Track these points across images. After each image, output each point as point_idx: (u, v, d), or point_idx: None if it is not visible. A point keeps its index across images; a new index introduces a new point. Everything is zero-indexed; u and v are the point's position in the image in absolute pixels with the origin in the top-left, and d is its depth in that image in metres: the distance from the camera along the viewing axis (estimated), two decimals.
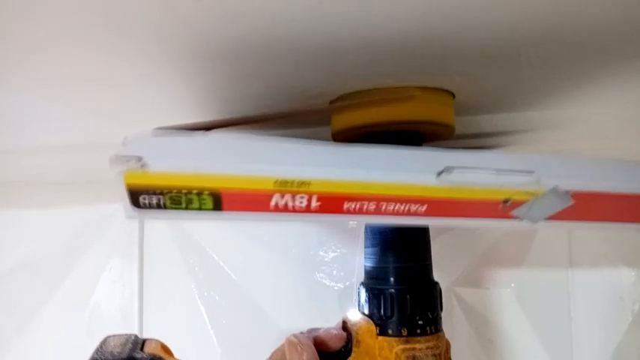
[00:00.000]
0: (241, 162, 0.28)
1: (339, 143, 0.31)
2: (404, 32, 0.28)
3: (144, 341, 0.36)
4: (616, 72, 0.36)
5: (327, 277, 0.64)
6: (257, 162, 0.29)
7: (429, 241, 0.41)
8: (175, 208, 0.28)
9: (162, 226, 0.67)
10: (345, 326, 0.40)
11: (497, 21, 0.27)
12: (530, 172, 0.32)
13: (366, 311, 0.39)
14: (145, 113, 0.44)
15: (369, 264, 0.41)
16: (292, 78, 0.34)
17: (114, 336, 0.36)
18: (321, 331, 0.39)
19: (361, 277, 0.42)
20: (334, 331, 0.39)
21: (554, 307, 0.61)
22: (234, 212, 0.28)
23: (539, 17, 0.26)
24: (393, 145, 0.37)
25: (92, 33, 0.29)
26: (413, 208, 0.30)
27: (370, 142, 0.39)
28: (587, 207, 0.33)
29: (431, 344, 0.37)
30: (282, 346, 0.38)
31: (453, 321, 0.60)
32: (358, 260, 0.41)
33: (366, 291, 0.40)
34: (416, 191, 0.30)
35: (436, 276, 0.41)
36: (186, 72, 0.34)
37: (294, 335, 0.37)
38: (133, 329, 0.66)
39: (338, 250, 0.63)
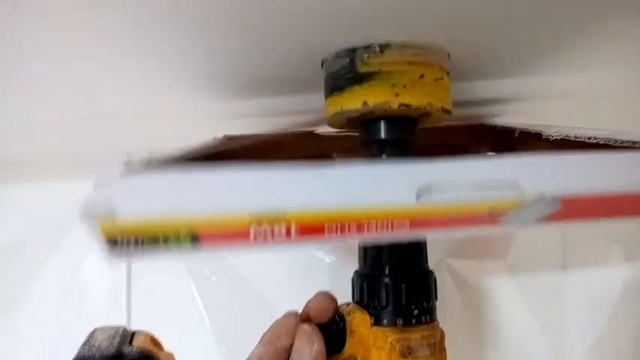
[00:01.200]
0: (215, 199, 0.29)
1: (311, 167, 0.31)
2: None
3: (133, 334, 0.35)
4: (607, 34, 0.35)
5: (318, 250, 0.63)
6: (231, 198, 0.29)
7: None
8: (154, 246, 0.28)
9: None
10: (338, 310, 0.38)
11: None
12: (514, 181, 0.32)
13: (361, 301, 0.39)
14: (130, 81, 0.43)
15: (363, 253, 0.40)
16: (282, 32, 0.33)
17: (101, 329, 0.35)
18: (310, 306, 0.38)
19: (354, 249, 0.41)
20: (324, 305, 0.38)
21: (546, 278, 0.61)
22: (214, 246, 0.29)
23: None
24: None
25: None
26: (396, 224, 0.31)
27: (364, 126, 0.39)
28: (578, 207, 0.33)
29: (426, 334, 0.36)
30: (278, 327, 0.37)
31: (444, 293, 0.60)
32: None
33: (361, 280, 0.39)
34: (397, 211, 0.31)
35: (428, 247, 0.40)
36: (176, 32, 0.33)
37: (308, 324, 0.36)
38: (121, 305, 0.65)
39: None
